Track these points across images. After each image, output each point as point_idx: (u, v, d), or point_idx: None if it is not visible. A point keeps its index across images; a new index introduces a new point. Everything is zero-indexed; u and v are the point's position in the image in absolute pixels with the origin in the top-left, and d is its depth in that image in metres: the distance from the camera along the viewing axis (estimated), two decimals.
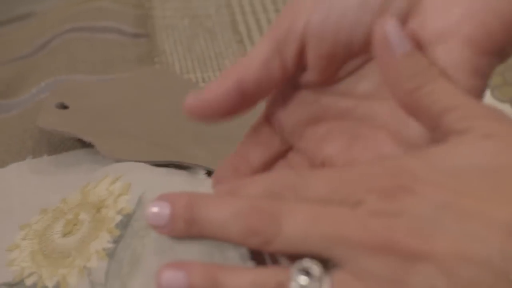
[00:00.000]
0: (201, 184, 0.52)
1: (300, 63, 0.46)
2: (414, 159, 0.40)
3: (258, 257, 0.44)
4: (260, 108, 0.49)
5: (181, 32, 0.78)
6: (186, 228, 0.42)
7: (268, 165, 0.50)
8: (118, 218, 0.50)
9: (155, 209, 0.42)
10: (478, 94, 0.44)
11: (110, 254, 0.49)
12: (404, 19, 0.44)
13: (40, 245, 0.53)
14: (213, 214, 0.41)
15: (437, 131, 0.42)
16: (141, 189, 0.51)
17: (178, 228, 0.43)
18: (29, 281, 0.51)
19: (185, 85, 0.70)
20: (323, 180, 0.41)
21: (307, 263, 0.40)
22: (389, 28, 0.42)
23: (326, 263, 0.40)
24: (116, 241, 0.49)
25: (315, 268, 0.39)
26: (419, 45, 0.44)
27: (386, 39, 0.42)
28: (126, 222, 0.50)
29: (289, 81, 0.47)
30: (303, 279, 0.39)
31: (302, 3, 0.46)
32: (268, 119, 0.50)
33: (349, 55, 0.46)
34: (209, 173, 0.57)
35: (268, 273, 0.40)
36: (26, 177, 0.60)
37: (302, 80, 0.47)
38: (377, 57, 0.43)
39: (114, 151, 0.58)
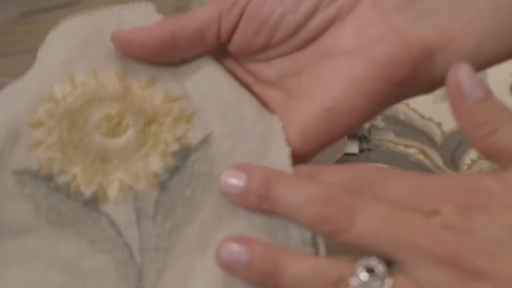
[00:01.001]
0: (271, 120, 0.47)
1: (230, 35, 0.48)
2: (494, 181, 0.40)
3: None
4: None
5: None
6: (258, 203, 0.43)
7: None
8: (176, 146, 0.46)
9: (231, 180, 0.43)
10: (365, 115, 0.45)
11: (162, 185, 0.45)
12: (325, 26, 0.46)
13: (70, 134, 0.46)
14: (289, 195, 0.42)
15: None
16: (206, 126, 0.46)
17: (250, 201, 0.43)
18: (60, 179, 0.45)
19: None
20: (403, 182, 0.41)
21: (373, 261, 0.40)
22: (463, 74, 0.42)
23: (389, 265, 0.41)
24: (171, 171, 0.45)
25: (380, 267, 0.40)
26: (325, 54, 0.46)
27: (460, 86, 0.42)
28: (184, 155, 0.46)
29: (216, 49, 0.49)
30: (365, 276, 0.40)
31: None
32: None
33: (268, 41, 0.47)
34: None
35: (330, 264, 0.41)
36: None
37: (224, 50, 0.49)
38: (451, 102, 0.43)
39: None
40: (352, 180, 0.42)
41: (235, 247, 0.41)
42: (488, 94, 0.42)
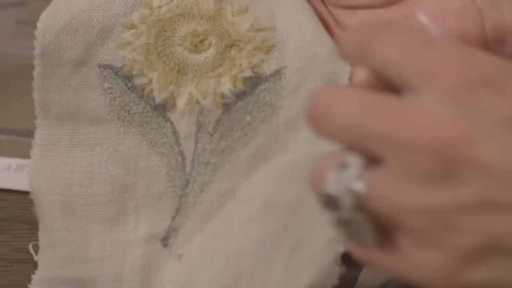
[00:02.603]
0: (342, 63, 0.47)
1: None
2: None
3: None
4: None
5: None
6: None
7: None
8: (248, 73, 0.48)
9: None
10: None
11: (227, 106, 0.48)
12: None
13: (156, 41, 0.49)
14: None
15: None
16: (282, 60, 0.48)
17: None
18: (137, 81, 0.49)
19: None
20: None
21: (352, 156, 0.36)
22: None
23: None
24: (238, 96, 0.48)
25: (358, 160, 0.36)
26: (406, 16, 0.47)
27: None
28: (254, 83, 0.48)
29: None
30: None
31: None
32: None
33: None
34: None
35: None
36: None
37: None
38: None
39: None
40: None
41: None
42: None
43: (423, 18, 0.46)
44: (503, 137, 0.35)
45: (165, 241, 0.47)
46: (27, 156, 0.58)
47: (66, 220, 0.48)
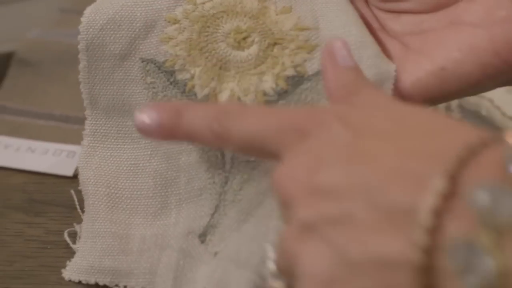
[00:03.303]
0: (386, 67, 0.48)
1: None
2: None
3: None
4: None
5: None
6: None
7: None
8: (291, 71, 0.48)
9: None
10: (474, 85, 0.47)
11: (268, 104, 0.48)
12: None
13: (199, 37, 0.49)
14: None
15: None
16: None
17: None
18: (180, 76, 0.49)
19: None
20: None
21: None
22: (340, 44, 0.44)
23: None
24: (279, 94, 0.48)
25: None
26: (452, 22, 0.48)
27: (336, 51, 0.44)
28: (296, 82, 0.48)
29: None
30: None
31: None
32: None
33: None
34: None
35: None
36: None
37: None
38: (323, 63, 0.44)
39: None
40: None
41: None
42: (357, 66, 0.44)
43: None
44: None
45: (202, 237, 0.48)
46: (65, 141, 0.60)
47: (110, 212, 0.49)
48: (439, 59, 0.47)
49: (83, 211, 0.51)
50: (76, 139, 0.53)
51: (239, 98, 0.48)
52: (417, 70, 0.47)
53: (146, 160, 0.49)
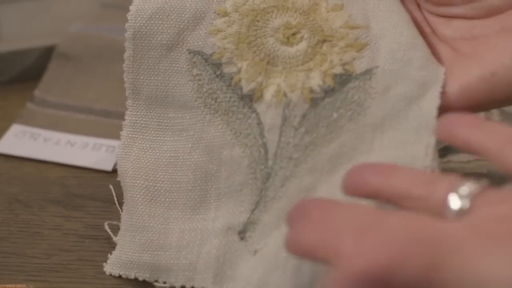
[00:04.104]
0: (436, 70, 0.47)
1: None
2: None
3: None
4: None
5: None
6: None
7: None
8: (339, 69, 0.47)
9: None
10: None
11: (314, 101, 0.47)
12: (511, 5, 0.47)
13: (248, 30, 0.48)
14: None
15: None
16: (374, 60, 0.47)
17: None
18: (226, 69, 0.48)
19: None
20: None
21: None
22: None
23: None
24: (326, 92, 0.47)
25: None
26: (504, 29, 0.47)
27: None
28: (344, 80, 0.47)
29: None
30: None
31: None
32: None
33: None
34: None
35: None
36: None
37: None
38: None
39: None
40: None
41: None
42: None
43: None
44: None
45: (242, 234, 0.47)
46: (104, 135, 0.59)
47: (148, 205, 0.48)
48: (490, 64, 0.46)
49: (121, 206, 0.50)
50: (115, 134, 0.52)
51: (285, 94, 0.47)
52: (467, 75, 0.47)
53: (186, 152, 0.48)
